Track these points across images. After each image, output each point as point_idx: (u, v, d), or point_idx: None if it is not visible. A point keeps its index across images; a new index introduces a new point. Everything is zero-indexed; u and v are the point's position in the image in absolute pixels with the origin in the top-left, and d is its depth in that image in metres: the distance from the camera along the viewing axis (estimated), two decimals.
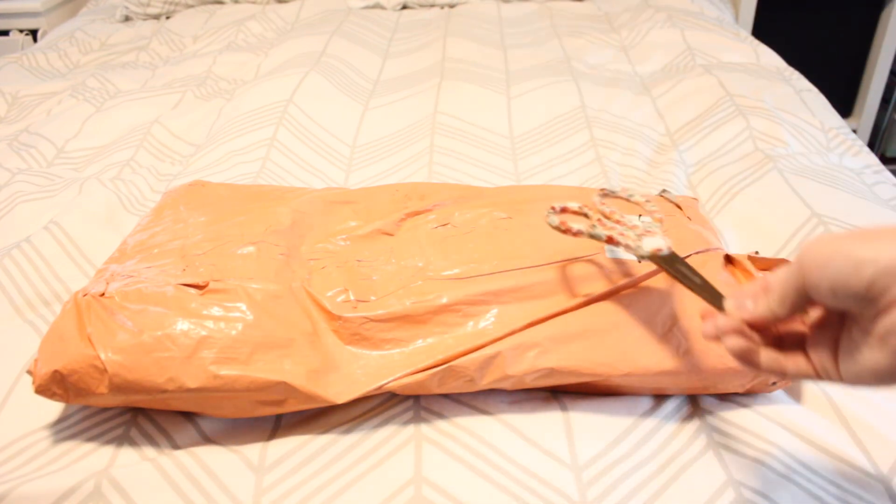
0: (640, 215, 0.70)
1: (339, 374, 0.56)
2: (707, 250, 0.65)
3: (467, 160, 0.97)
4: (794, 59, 2.00)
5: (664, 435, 0.56)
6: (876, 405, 0.58)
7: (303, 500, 0.51)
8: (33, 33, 1.86)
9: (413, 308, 0.59)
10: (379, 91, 1.22)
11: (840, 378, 0.40)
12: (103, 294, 0.57)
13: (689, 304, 0.60)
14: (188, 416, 0.58)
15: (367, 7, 1.68)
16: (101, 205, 0.86)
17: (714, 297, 0.48)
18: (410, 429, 0.56)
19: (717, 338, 0.45)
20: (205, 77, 1.32)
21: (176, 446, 0.56)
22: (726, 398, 0.59)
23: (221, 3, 1.78)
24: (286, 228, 0.67)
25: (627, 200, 0.63)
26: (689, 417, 0.58)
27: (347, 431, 0.56)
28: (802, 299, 0.39)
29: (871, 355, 0.37)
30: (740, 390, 0.58)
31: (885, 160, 2.14)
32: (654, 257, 0.54)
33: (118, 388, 0.53)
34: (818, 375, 0.41)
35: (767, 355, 0.43)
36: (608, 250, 0.64)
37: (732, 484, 0.51)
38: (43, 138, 1.08)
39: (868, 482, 0.52)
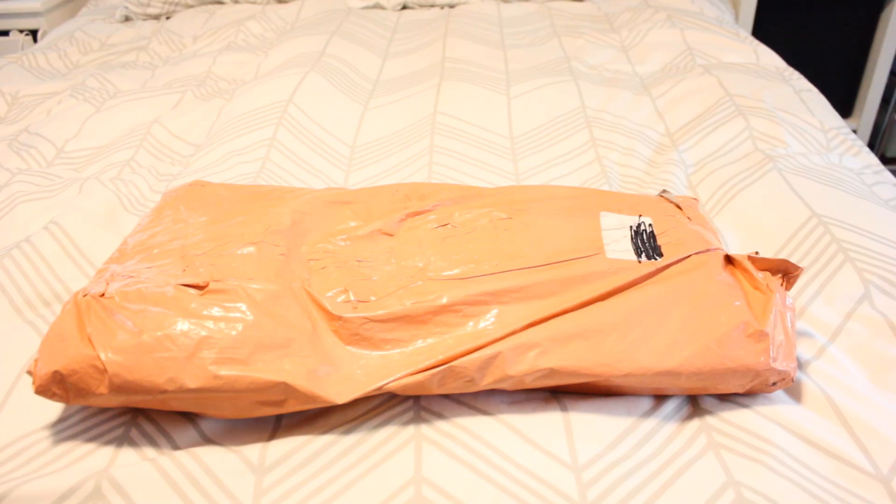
0: (640, 214, 0.70)
1: (339, 375, 0.56)
2: (707, 250, 0.65)
3: (467, 160, 0.97)
4: (794, 59, 2.00)
5: (664, 435, 0.56)
6: (876, 405, 0.58)
7: (303, 500, 0.51)
8: (33, 33, 1.86)
9: (413, 308, 0.59)
10: (379, 91, 1.22)
11: None
12: (103, 294, 0.57)
13: (689, 304, 0.60)
14: (188, 416, 0.58)
15: (367, 7, 1.68)
16: (101, 205, 0.86)
17: None
18: (410, 429, 0.56)
19: None
20: (204, 77, 1.32)
21: (176, 446, 0.56)
22: (726, 398, 0.59)
23: (221, 3, 1.78)
24: (286, 228, 0.67)
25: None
26: (689, 418, 0.58)
27: (347, 432, 0.56)
28: None
29: None
30: (740, 390, 0.58)
31: (885, 160, 2.14)
32: None
33: (118, 388, 0.53)
34: None
35: None
36: (608, 250, 0.64)
37: (732, 484, 0.51)
38: (43, 138, 1.08)
39: (868, 482, 0.52)
